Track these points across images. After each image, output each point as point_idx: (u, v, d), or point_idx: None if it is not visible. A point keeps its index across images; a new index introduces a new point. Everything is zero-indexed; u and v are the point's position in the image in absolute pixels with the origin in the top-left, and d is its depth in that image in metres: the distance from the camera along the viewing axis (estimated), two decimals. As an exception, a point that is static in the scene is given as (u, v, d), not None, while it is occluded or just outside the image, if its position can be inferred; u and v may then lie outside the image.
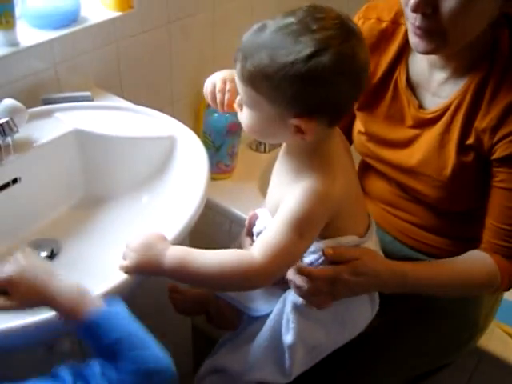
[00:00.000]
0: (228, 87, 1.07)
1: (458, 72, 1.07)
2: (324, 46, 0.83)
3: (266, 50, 0.85)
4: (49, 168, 1.22)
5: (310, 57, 0.83)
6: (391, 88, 1.15)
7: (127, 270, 0.93)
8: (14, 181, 1.17)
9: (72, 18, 1.38)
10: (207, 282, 0.94)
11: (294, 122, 0.88)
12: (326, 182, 0.92)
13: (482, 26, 0.99)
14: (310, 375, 1.11)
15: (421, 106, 1.12)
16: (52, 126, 1.25)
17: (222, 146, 1.68)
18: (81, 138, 1.24)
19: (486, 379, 1.36)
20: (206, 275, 0.91)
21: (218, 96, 1.07)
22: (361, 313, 1.09)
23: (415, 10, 0.96)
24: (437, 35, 0.98)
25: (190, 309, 1.22)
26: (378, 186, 1.26)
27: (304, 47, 0.83)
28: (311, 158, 0.94)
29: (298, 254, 0.95)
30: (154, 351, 0.79)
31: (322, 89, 0.85)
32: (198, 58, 1.75)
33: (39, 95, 1.33)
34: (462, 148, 1.07)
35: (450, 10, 0.94)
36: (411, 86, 1.13)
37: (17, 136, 1.16)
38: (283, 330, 1.05)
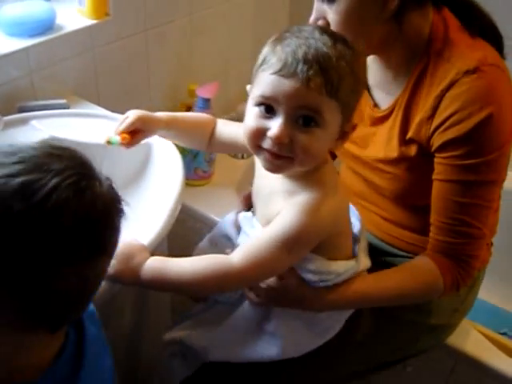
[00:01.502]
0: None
1: (401, 69, 1.10)
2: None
3: (343, 61, 0.86)
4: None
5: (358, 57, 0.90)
6: None
7: (107, 277, 0.93)
8: (-11, 189, 1.16)
9: (48, 25, 1.38)
10: (185, 290, 0.96)
11: (347, 127, 0.92)
12: (321, 200, 0.93)
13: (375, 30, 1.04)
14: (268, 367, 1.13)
15: (376, 105, 1.16)
16: (28, 134, 1.24)
17: (199, 152, 1.68)
18: (57, 146, 1.24)
19: (463, 381, 1.37)
20: (183, 284, 0.93)
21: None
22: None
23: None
24: None
25: None
26: (352, 181, 1.29)
27: (357, 51, 0.91)
28: (307, 176, 0.94)
29: (281, 268, 0.97)
30: None
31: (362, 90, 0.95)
32: (176, 64, 1.75)
33: (15, 103, 1.33)
34: (403, 142, 1.10)
35: (334, 21, 1.02)
36: (368, 87, 1.17)
37: (-8, 144, 1.15)
38: (261, 317, 1.07)
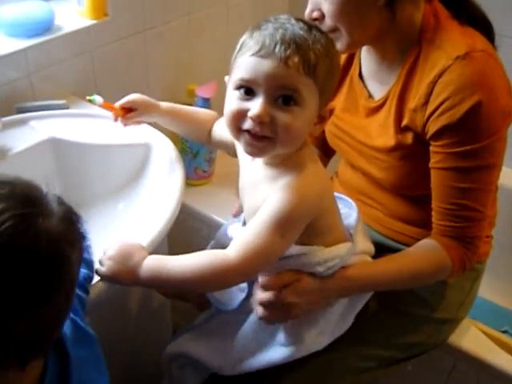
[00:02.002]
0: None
1: (395, 59, 1.12)
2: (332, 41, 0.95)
3: (319, 44, 0.89)
4: (24, 176, 1.21)
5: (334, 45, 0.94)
6: (347, 82, 1.22)
7: (103, 277, 0.93)
8: (-11, 190, 1.16)
9: (46, 26, 1.38)
10: (184, 287, 0.95)
11: (324, 112, 0.94)
12: (306, 180, 0.93)
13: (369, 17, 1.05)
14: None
15: (370, 96, 1.17)
16: (27, 135, 1.24)
17: (199, 151, 1.68)
18: (56, 147, 1.24)
19: (463, 378, 1.37)
20: (182, 282, 0.92)
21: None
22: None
23: (308, 18, 1.07)
24: (336, 34, 1.05)
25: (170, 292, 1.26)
26: (349, 176, 1.30)
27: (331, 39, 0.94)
28: (289, 161, 0.95)
29: (277, 254, 0.95)
30: None
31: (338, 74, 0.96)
32: (175, 65, 1.75)
33: (14, 104, 1.32)
34: (399, 129, 1.11)
35: (329, 11, 1.04)
36: (363, 79, 1.19)
37: (-9, 145, 1.16)
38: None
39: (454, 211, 1.08)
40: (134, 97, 1.16)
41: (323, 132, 1.34)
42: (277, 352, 1.08)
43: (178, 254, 0.94)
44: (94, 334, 0.84)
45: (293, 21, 0.90)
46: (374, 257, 1.12)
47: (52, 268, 0.65)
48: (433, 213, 1.11)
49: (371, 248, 1.12)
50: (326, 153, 1.40)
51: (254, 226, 0.92)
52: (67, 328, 0.78)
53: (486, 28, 1.11)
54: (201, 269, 0.90)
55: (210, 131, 1.20)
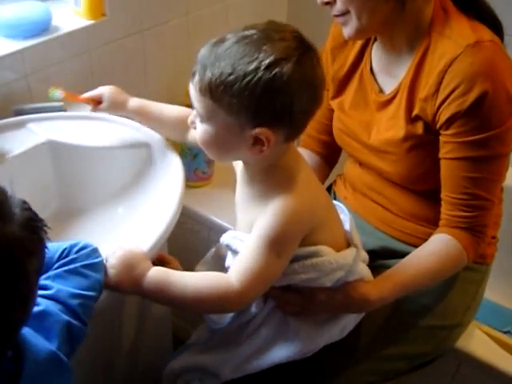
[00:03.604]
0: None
1: (405, 52, 1.13)
2: (285, 55, 0.84)
3: (227, 59, 0.84)
4: (22, 180, 1.20)
5: (271, 65, 0.83)
6: (358, 77, 1.22)
7: (107, 286, 0.92)
8: (-14, 193, 1.14)
9: (43, 27, 1.36)
10: (185, 307, 0.95)
11: (254, 132, 0.87)
12: (294, 197, 0.93)
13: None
14: (287, 375, 1.13)
15: (381, 91, 1.18)
16: (24, 137, 1.22)
17: (198, 153, 1.66)
18: (54, 149, 1.22)
19: (467, 381, 1.36)
20: (183, 301, 0.92)
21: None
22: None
23: (320, 2, 1.09)
24: (346, 18, 1.08)
25: None
26: (357, 174, 1.30)
27: (265, 56, 0.83)
28: (273, 178, 0.94)
29: (276, 274, 0.95)
30: None
31: (282, 97, 0.85)
32: (173, 65, 1.74)
33: (11, 106, 1.31)
34: (410, 120, 1.12)
35: None
36: (374, 73, 1.20)
37: (-12, 148, 1.14)
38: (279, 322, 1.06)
39: (465, 201, 1.09)
40: (102, 90, 1.19)
41: (325, 140, 1.37)
42: (285, 350, 1.07)
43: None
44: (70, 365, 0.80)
45: (246, 32, 0.86)
46: (382, 258, 1.12)
47: (2, 275, 0.61)
48: (442, 203, 1.12)
49: (366, 256, 1.12)
50: (329, 161, 1.40)
51: (250, 252, 0.92)
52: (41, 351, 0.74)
53: (495, 25, 1.11)
54: (205, 292, 0.91)
55: (184, 132, 1.18)
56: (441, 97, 1.05)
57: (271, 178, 0.94)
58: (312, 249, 0.99)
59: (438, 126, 1.08)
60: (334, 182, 1.43)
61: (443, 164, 1.09)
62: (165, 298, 0.93)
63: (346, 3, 1.06)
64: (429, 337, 1.24)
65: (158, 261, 1.18)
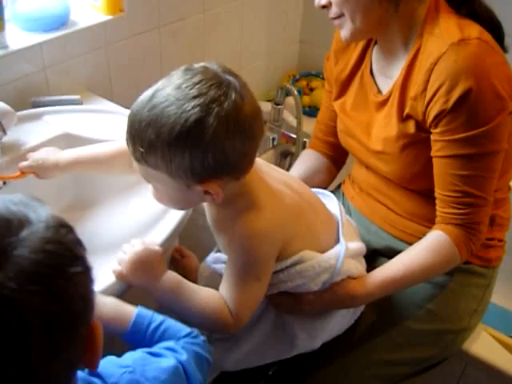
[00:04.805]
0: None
1: (400, 53, 1.14)
2: (205, 112, 0.82)
3: (151, 128, 0.84)
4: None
5: (192, 126, 0.82)
6: (358, 79, 1.24)
7: (121, 278, 0.94)
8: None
9: (62, 21, 1.38)
10: (186, 318, 0.96)
11: (199, 187, 0.88)
12: (257, 220, 0.94)
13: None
14: (287, 378, 1.15)
15: (379, 92, 1.19)
16: (41, 129, 1.24)
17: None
18: (70, 142, 1.23)
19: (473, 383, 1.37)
20: (187, 314, 0.96)
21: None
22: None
23: (317, 6, 1.12)
24: (341, 21, 1.11)
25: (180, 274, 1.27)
26: (363, 174, 1.31)
27: (185, 117, 0.82)
28: (235, 205, 0.94)
29: (262, 294, 0.99)
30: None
31: (214, 152, 0.84)
32: (189, 61, 1.71)
33: (28, 98, 1.33)
34: (401, 119, 1.13)
35: None
36: (374, 75, 1.21)
37: (5, 139, 1.16)
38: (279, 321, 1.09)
39: (457, 198, 1.09)
40: (31, 162, 1.09)
41: (331, 142, 1.38)
42: (284, 348, 1.10)
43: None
44: None
45: (160, 98, 0.85)
46: (386, 257, 1.12)
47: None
48: (436, 201, 1.12)
49: (360, 246, 1.13)
50: (336, 162, 1.41)
51: (231, 284, 0.96)
52: None
53: (493, 27, 1.11)
54: (207, 314, 0.96)
55: (128, 162, 1.00)
56: (428, 95, 1.06)
57: (234, 204, 0.94)
58: (295, 257, 1.00)
59: (427, 124, 1.08)
60: (343, 181, 1.44)
61: (434, 162, 1.10)
62: (171, 305, 0.97)
63: (340, 6, 1.09)
64: (435, 341, 1.24)
65: (176, 252, 1.20)
